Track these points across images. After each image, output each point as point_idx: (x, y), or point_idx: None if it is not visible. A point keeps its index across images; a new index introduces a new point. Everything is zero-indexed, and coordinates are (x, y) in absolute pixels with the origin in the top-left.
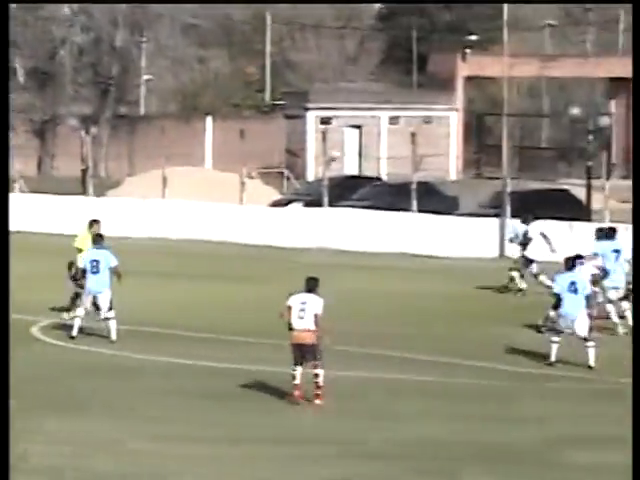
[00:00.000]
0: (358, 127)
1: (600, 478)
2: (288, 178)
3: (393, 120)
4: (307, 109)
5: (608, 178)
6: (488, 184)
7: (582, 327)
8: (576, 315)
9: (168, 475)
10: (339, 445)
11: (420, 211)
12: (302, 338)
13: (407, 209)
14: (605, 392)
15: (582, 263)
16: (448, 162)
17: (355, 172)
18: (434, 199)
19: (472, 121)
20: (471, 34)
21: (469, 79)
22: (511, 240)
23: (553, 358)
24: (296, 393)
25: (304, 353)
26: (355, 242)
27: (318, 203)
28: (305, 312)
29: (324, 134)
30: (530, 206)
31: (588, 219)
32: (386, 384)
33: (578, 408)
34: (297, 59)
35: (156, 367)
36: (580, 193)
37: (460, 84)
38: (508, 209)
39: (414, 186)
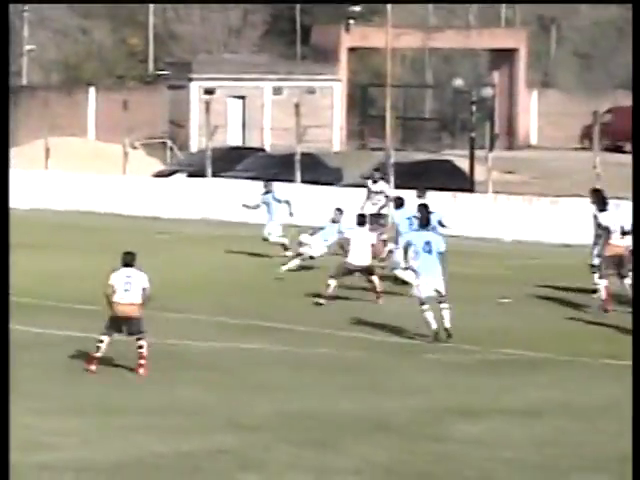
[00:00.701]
0: (242, 98)
1: (484, 449)
2: (171, 149)
3: (277, 91)
4: (191, 79)
5: (491, 149)
6: (372, 155)
7: (440, 286)
8: (433, 275)
9: (45, 447)
10: (207, 417)
11: (304, 182)
12: (128, 312)
13: (291, 180)
14: (489, 363)
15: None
16: (332, 133)
17: (239, 143)
18: (318, 170)
19: (356, 92)
20: (355, 4)
21: (352, 50)
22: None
23: (434, 326)
24: (92, 367)
25: (129, 327)
26: (238, 213)
27: (201, 174)
28: (131, 285)
29: (207, 105)
30: (414, 177)
31: (471, 190)
32: (247, 354)
33: (460, 379)
34: (181, 31)
35: (34, 339)
36: (464, 164)
37: (344, 55)
38: (392, 180)
39: (298, 157)
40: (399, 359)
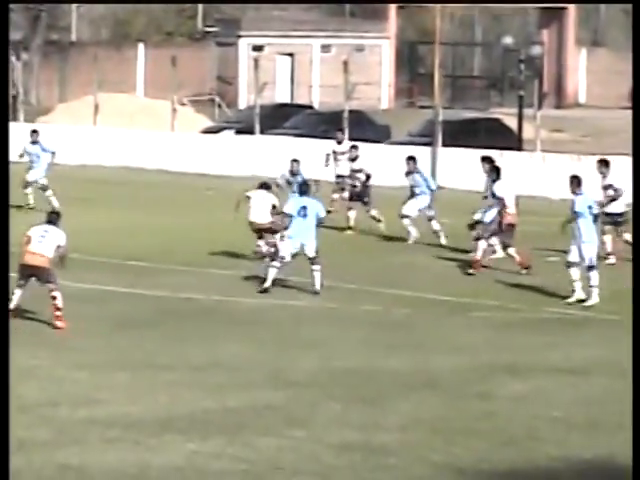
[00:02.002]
0: (290, 55)
1: (530, 407)
2: (220, 106)
3: (325, 48)
4: (239, 37)
5: (539, 108)
6: (420, 113)
7: (311, 249)
8: (305, 238)
9: (92, 402)
10: (252, 373)
11: (352, 139)
12: (36, 261)
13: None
14: (535, 321)
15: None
16: (380, 91)
17: (287, 100)
18: (366, 128)
19: (404, 50)
20: None
21: (401, 8)
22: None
23: (268, 283)
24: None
25: (38, 276)
26: (287, 170)
27: (250, 131)
28: (45, 239)
29: (256, 62)
30: (462, 135)
31: (519, 148)
32: (293, 311)
33: (506, 338)
34: None
35: (82, 294)
36: (512, 122)
37: (392, 13)
38: (440, 138)
39: (346, 115)
40: (445, 317)
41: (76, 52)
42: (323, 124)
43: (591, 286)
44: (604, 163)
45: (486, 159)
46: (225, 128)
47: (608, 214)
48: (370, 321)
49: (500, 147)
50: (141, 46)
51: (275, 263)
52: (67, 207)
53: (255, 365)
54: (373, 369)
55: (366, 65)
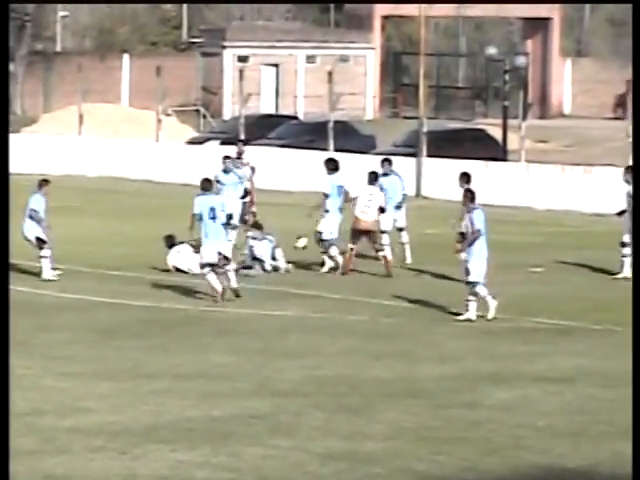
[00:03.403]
0: (275, 65)
1: (515, 416)
2: (204, 116)
3: (310, 59)
4: (224, 47)
5: (524, 118)
6: (405, 123)
7: (225, 249)
8: (216, 241)
9: (78, 411)
10: (238, 382)
11: (337, 150)
12: None
13: (324, 148)
14: (521, 331)
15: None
16: (365, 101)
17: (272, 111)
18: (351, 138)
19: (389, 60)
20: None
21: (386, 18)
22: None
23: (219, 288)
24: None
25: None
26: (271, 181)
27: (234, 141)
28: None
29: (241, 72)
30: (446, 145)
31: (504, 159)
32: (279, 321)
33: (492, 347)
34: None
35: (67, 304)
36: (496, 133)
37: (377, 23)
38: (424, 148)
39: (331, 125)
40: (430, 326)
41: (61, 62)
42: (308, 134)
43: (483, 297)
44: (630, 169)
45: (329, 160)
46: (210, 138)
47: None
48: (355, 330)
49: (485, 157)
50: (126, 56)
51: (206, 269)
52: (52, 217)
53: (241, 374)
54: (359, 378)
55: (351, 75)
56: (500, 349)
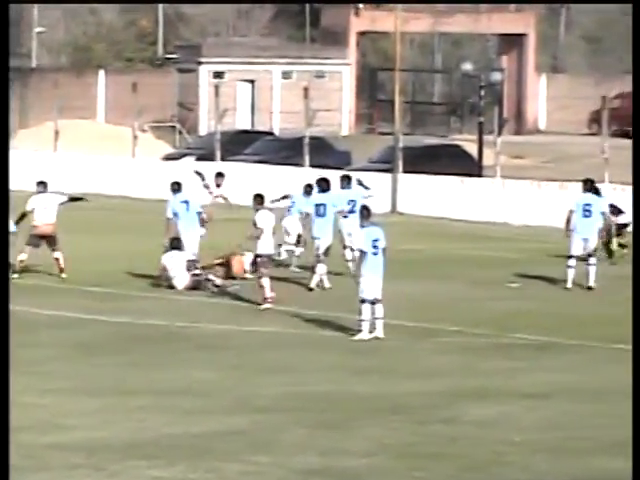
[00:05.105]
0: (251, 81)
1: (495, 432)
2: (180, 132)
3: (286, 74)
4: (200, 63)
5: (499, 134)
6: (380, 139)
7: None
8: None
9: (58, 428)
10: (218, 398)
11: (312, 166)
12: None
13: (299, 164)
14: (499, 347)
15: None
16: (341, 117)
17: (248, 127)
18: (327, 154)
19: (365, 76)
20: None
21: (362, 34)
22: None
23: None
24: None
25: None
26: (247, 197)
27: (210, 157)
28: None
29: (217, 88)
30: (422, 161)
31: (479, 175)
32: (258, 337)
33: (470, 363)
34: (190, 13)
35: (45, 321)
36: (472, 149)
37: (353, 39)
38: (400, 164)
39: (307, 141)
40: (410, 343)
41: (37, 78)
42: (284, 150)
43: (376, 318)
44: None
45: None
46: (186, 154)
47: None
48: (334, 346)
49: (460, 173)
50: (102, 72)
51: None
52: (26, 233)
53: (220, 390)
54: (338, 394)
55: (326, 91)
56: (479, 365)
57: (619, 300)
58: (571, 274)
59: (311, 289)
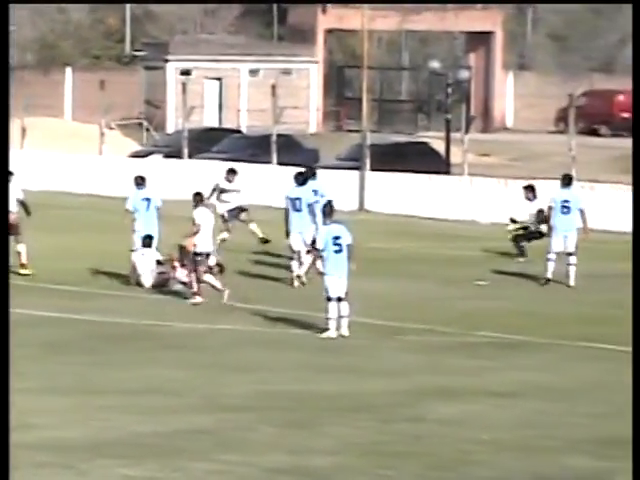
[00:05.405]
0: (218, 79)
1: (461, 430)
2: (148, 130)
3: (253, 72)
4: (167, 60)
5: (467, 131)
6: (348, 137)
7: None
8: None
9: (24, 427)
10: (186, 397)
11: (280, 164)
12: None
13: (267, 162)
14: (467, 345)
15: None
16: (308, 115)
17: (215, 124)
18: (294, 152)
19: (332, 74)
20: None
21: (329, 32)
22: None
23: None
24: None
25: None
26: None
27: (178, 155)
28: None
29: (184, 86)
30: (390, 159)
31: (447, 172)
32: (225, 335)
33: (438, 361)
34: (158, 11)
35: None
36: (439, 146)
37: (320, 36)
38: (368, 162)
39: (274, 138)
40: (378, 340)
41: None
42: (251, 148)
43: (341, 317)
44: (530, 189)
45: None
46: (153, 152)
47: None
48: (302, 345)
49: (428, 171)
50: (69, 70)
51: None
52: None
53: (188, 389)
54: (306, 393)
55: (294, 89)
56: (446, 363)
57: (590, 299)
58: (551, 267)
59: (299, 276)
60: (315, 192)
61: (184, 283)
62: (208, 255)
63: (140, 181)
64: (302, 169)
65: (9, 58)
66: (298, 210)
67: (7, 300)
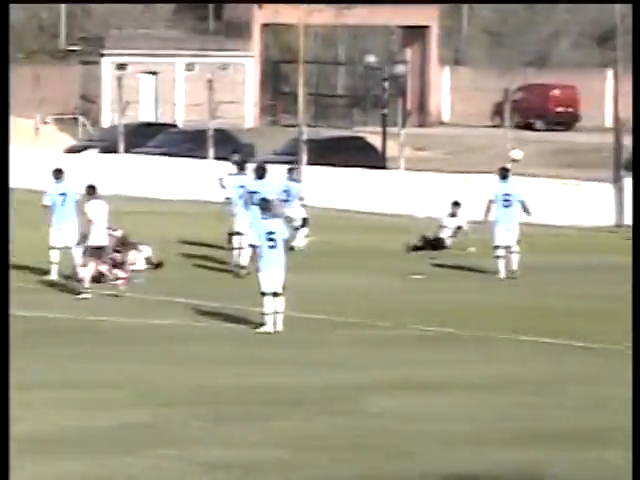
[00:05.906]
0: (154, 73)
1: (400, 423)
2: (83, 124)
3: (189, 67)
4: (102, 55)
5: (403, 126)
6: (284, 131)
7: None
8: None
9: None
10: (124, 391)
11: (216, 158)
12: None
13: (203, 156)
14: (403, 338)
15: None
16: (244, 109)
17: (151, 119)
18: (230, 146)
19: (269, 68)
20: None
21: (265, 26)
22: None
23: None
24: None
25: None
26: (150, 189)
27: (113, 150)
28: None
29: (119, 80)
30: (326, 153)
31: (383, 167)
32: (163, 330)
33: (374, 354)
34: (93, 5)
35: None
36: (376, 141)
37: (256, 31)
38: (304, 156)
39: (210, 133)
40: (316, 334)
41: None
42: (187, 143)
43: (277, 312)
44: (457, 205)
45: None
46: (89, 147)
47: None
48: (239, 339)
49: (364, 165)
50: None
51: None
52: None
53: (124, 383)
54: (244, 386)
55: (230, 83)
56: (384, 357)
57: (529, 291)
58: (501, 264)
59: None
60: (287, 192)
61: (122, 278)
62: (100, 248)
63: (58, 175)
64: (262, 164)
65: (9, 58)
66: (254, 204)
67: (7, 300)
